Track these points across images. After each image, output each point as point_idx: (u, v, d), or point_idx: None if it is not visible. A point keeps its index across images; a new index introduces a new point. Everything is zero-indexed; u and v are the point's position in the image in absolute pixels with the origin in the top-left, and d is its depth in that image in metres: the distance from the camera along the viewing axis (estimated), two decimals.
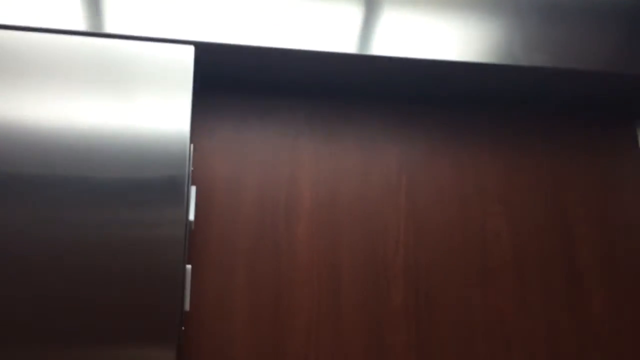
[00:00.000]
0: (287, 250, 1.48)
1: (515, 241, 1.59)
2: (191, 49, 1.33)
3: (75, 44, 1.27)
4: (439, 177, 1.61)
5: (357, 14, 1.50)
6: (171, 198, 1.18)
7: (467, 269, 1.55)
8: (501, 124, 1.70)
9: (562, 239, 1.62)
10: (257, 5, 1.46)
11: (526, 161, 1.67)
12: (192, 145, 1.35)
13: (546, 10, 1.58)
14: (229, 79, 1.59)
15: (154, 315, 1.11)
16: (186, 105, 1.26)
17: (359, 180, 1.57)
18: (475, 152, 1.65)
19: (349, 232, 1.53)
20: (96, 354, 1.08)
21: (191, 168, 1.31)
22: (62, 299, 1.09)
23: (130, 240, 1.14)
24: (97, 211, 1.15)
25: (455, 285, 1.53)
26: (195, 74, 1.56)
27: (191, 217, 1.24)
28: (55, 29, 1.36)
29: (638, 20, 1.62)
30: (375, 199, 1.57)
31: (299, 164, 1.56)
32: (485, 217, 1.60)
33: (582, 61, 1.55)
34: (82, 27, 1.37)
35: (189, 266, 1.20)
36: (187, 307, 1.17)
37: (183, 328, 1.20)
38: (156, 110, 1.24)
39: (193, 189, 1.30)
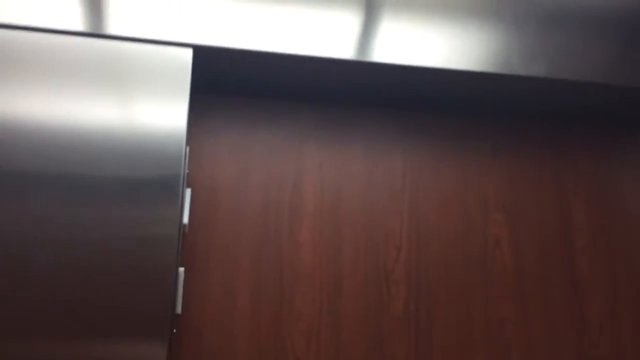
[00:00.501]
0: (290, 255, 1.49)
1: (516, 249, 1.60)
2: (189, 52, 1.33)
3: (75, 44, 1.27)
4: (441, 184, 1.62)
5: (357, 21, 1.51)
6: (165, 200, 1.17)
7: (468, 277, 1.55)
8: (504, 133, 1.71)
9: (563, 247, 1.62)
10: (258, 10, 1.47)
11: (528, 170, 1.68)
12: (188, 148, 1.35)
13: (544, 20, 1.59)
14: (234, 83, 1.59)
15: (145, 317, 1.10)
16: (183, 107, 1.25)
17: (363, 186, 1.58)
18: (478, 160, 1.66)
19: (352, 238, 1.53)
20: (87, 352, 1.07)
21: (187, 170, 1.31)
22: (54, 295, 1.09)
23: (124, 240, 1.14)
24: (92, 210, 1.14)
25: (456, 293, 1.54)
26: (199, 77, 1.56)
27: (185, 219, 1.24)
28: (55, 30, 1.35)
29: (636, 32, 1.63)
30: (378, 205, 1.57)
31: (303, 169, 1.57)
32: (487, 224, 1.61)
33: (580, 72, 1.55)
34: (82, 28, 1.36)
35: (181, 269, 1.19)
36: (178, 310, 1.16)
37: (175, 331, 1.20)
38: (153, 112, 1.24)
39: (188, 192, 1.30)
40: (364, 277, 1.51)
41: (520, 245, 1.61)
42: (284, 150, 1.58)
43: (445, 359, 1.49)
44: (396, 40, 1.51)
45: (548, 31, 1.58)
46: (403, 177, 1.61)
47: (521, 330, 1.54)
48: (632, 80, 1.57)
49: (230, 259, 1.47)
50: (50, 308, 1.08)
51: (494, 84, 1.58)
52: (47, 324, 1.08)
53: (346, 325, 1.47)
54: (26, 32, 1.26)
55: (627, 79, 1.57)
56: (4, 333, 1.06)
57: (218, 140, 1.56)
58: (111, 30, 1.37)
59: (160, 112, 1.24)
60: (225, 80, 1.59)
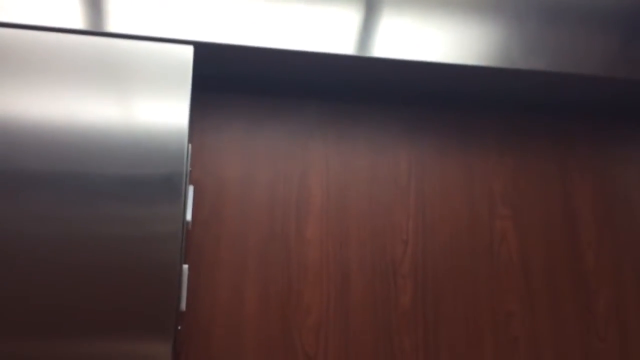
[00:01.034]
0: (297, 250, 1.49)
1: (523, 243, 1.59)
2: (190, 49, 1.33)
3: (76, 42, 1.27)
4: (447, 178, 1.61)
5: (359, 17, 1.51)
6: (168, 197, 1.17)
7: (474, 270, 1.55)
8: (508, 127, 1.70)
9: (569, 241, 1.62)
10: (259, 6, 1.47)
11: (533, 163, 1.67)
12: (190, 145, 1.34)
13: (545, 14, 1.59)
14: (237, 80, 1.60)
15: (149, 314, 1.10)
16: (184, 104, 1.25)
17: (369, 181, 1.58)
18: (483, 154, 1.66)
19: (358, 232, 1.53)
20: (92, 350, 1.07)
21: (189, 168, 1.31)
22: (56, 294, 1.08)
23: (126, 238, 1.14)
24: (94, 208, 1.14)
25: (463, 287, 1.53)
26: (201, 74, 1.56)
27: (188, 217, 1.23)
28: (56, 28, 1.36)
29: (636, 25, 1.62)
30: (384, 199, 1.57)
31: (308, 165, 1.56)
32: (493, 218, 1.60)
33: (582, 65, 1.55)
34: (82, 26, 1.37)
35: (185, 266, 1.19)
36: (183, 307, 1.16)
37: (180, 328, 1.20)
38: (154, 109, 1.24)
39: (191, 189, 1.29)
40: (371, 272, 1.51)
41: (526, 239, 1.60)
42: (289, 146, 1.57)
43: (452, 352, 1.48)
44: (398, 35, 1.51)
45: (549, 25, 1.58)
46: (408, 172, 1.61)
47: (528, 323, 1.53)
48: (635, 73, 1.56)
49: (237, 255, 1.46)
50: (52, 306, 1.08)
51: (495, 78, 1.58)
52: (48, 322, 1.08)
53: (354, 320, 1.47)
54: (27, 31, 1.26)
55: (629, 72, 1.57)
56: (7, 331, 1.06)
57: (222, 137, 1.56)
58: (112, 28, 1.38)
59: (161, 110, 1.24)
60: (227, 77, 1.59)
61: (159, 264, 1.13)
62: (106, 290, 1.10)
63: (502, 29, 1.55)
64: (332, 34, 1.47)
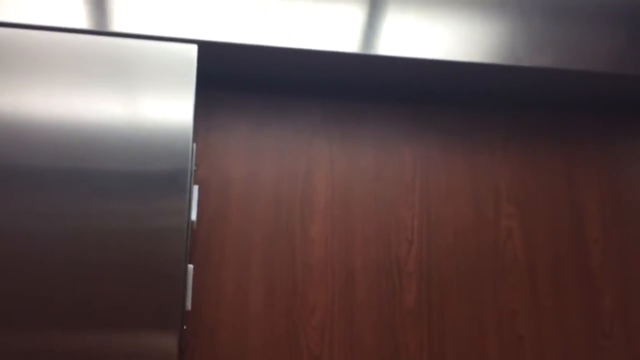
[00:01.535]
0: (302, 249, 1.49)
1: (528, 240, 1.59)
2: (194, 48, 1.33)
3: (81, 42, 1.27)
4: (452, 176, 1.61)
5: (363, 15, 1.50)
6: (172, 196, 1.18)
7: (479, 269, 1.55)
8: (514, 124, 1.69)
9: (575, 238, 1.61)
10: (263, 4, 1.46)
11: (539, 161, 1.67)
12: (195, 144, 1.35)
13: (550, 10, 1.58)
14: (241, 78, 1.60)
15: (155, 314, 1.10)
16: (189, 103, 1.25)
17: (373, 179, 1.58)
18: (489, 152, 1.65)
19: (363, 231, 1.53)
20: (98, 349, 1.08)
21: (194, 167, 1.31)
22: (61, 291, 1.09)
23: (130, 239, 1.14)
24: (99, 208, 1.15)
25: (468, 285, 1.53)
26: (206, 73, 1.56)
27: (193, 216, 1.24)
28: (61, 28, 1.37)
29: None
30: (388, 198, 1.57)
31: (313, 163, 1.57)
32: (499, 217, 1.60)
33: (588, 62, 1.54)
34: (87, 26, 1.37)
35: (190, 265, 1.19)
36: (188, 306, 1.16)
37: (185, 327, 1.20)
38: (158, 109, 1.24)
39: (195, 188, 1.30)
40: (376, 271, 1.51)
41: (532, 236, 1.60)
42: (294, 145, 1.57)
43: (457, 351, 1.48)
44: (403, 32, 1.50)
45: (554, 21, 1.57)
46: (413, 170, 1.61)
47: (533, 321, 1.53)
48: (638, 69, 1.56)
49: (242, 254, 1.47)
50: (56, 303, 1.09)
51: (501, 75, 1.57)
52: (52, 318, 1.08)
53: (359, 319, 1.47)
54: (33, 31, 1.26)
55: (636, 68, 1.56)
56: (18, 326, 1.07)
57: (227, 136, 1.56)
58: (116, 27, 1.38)
59: (166, 109, 1.24)
60: (232, 76, 1.59)
61: (164, 264, 1.13)
62: (112, 289, 1.11)
63: (507, 26, 1.55)
64: (337, 32, 1.47)
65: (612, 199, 1.67)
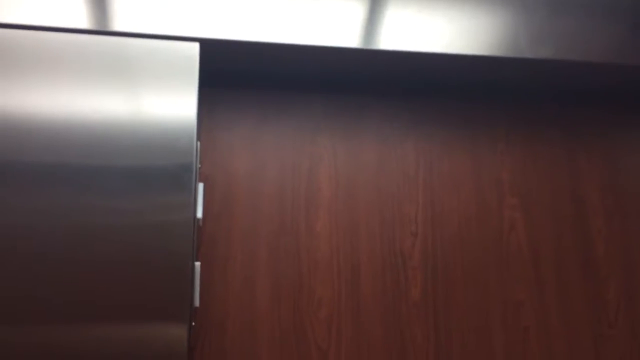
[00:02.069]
0: (307, 244, 1.50)
1: (532, 231, 1.60)
2: (196, 46, 1.33)
3: (84, 42, 1.28)
4: (455, 169, 1.62)
5: (364, 9, 1.50)
6: (178, 195, 1.18)
7: (484, 261, 1.56)
8: (516, 116, 1.70)
9: (578, 229, 1.62)
10: (264, 1, 1.47)
11: (542, 152, 1.67)
12: (199, 143, 1.35)
13: (552, 2, 1.58)
14: (244, 75, 1.60)
15: (163, 312, 1.11)
16: (192, 101, 1.26)
17: (377, 173, 1.58)
18: (492, 144, 1.66)
19: (367, 225, 1.54)
20: (106, 342, 1.09)
21: (199, 165, 1.32)
22: (67, 286, 1.10)
23: (137, 239, 1.15)
24: (104, 208, 1.16)
25: (473, 277, 1.54)
26: (208, 71, 1.57)
27: (199, 214, 1.24)
28: (64, 28, 1.37)
29: None
30: (392, 192, 1.57)
31: (317, 158, 1.57)
32: (502, 208, 1.60)
33: (589, 53, 1.54)
34: (89, 26, 1.38)
35: (197, 263, 1.20)
36: (196, 303, 1.18)
37: (194, 324, 1.21)
38: (161, 107, 1.25)
39: (201, 186, 1.31)
40: (381, 264, 1.52)
41: (535, 227, 1.60)
42: (297, 140, 1.58)
43: (463, 342, 1.49)
44: (403, 26, 1.50)
45: (556, 13, 1.57)
46: (416, 163, 1.61)
47: (538, 312, 1.54)
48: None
49: (248, 250, 1.48)
50: (63, 300, 1.10)
51: (503, 67, 1.57)
52: (59, 314, 1.09)
53: (365, 312, 1.48)
54: (36, 32, 1.27)
55: (637, 58, 1.56)
56: (31, 320, 1.08)
57: (231, 133, 1.56)
58: (118, 26, 1.38)
59: (169, 107, 1.25)
60: (234, 73, 1.60)
61: (171, 261, 1.14)
62: (120, 287, 1.12)
63: (509, 18, 1.55)
64: (337, 27, 1.47)
65: (615, 188, 1.67)
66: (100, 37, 1.28)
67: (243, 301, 1.45)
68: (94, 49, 1.27)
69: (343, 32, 1.47)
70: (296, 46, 1.46)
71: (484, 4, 1.55)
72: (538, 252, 1.59)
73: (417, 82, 1.66)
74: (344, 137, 1.60)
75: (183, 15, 1.42)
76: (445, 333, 1.50)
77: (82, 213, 1.15)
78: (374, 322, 1.48)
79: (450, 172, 1.62)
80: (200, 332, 1.42)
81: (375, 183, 1.58)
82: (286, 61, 1.54)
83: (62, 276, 1.11)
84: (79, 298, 1.11)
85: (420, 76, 1.63)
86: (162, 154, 1.21)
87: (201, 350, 1.41)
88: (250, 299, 1.45)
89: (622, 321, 1.57)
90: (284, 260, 1.49)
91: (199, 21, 1.42)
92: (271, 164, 1.55)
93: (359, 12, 1.50)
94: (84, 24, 1.37)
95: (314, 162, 1.57)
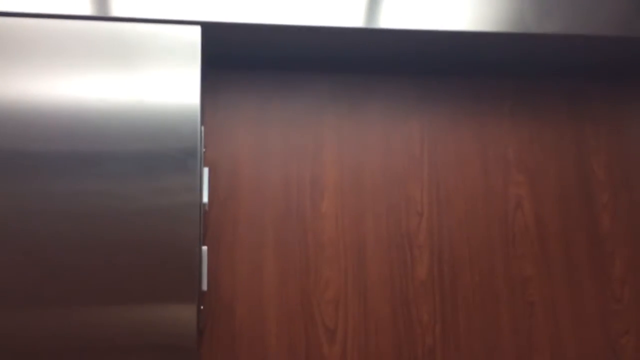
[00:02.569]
0: (313, 225, 1.51)
1: (538, 209, 1.60)
2: (198, 29, 1.33)
3: (86, 28, 1.28)
4: (461, 147, 1.61)
5: None
6: (183, 180, 1.19)
7: (490, 238, 1.56)
8: (522, 92, 1.68)
9: (584, 205, 1.62)
10: None
11: (548, 128, 1.66)
12: (202, 127, 1.36)
13: None
14: (247, 58, 1.59)
15: (172, 296, 1.13)
16: (195, 85, 1.26)
17: (382, 153, 1.58)
18: (497, 121, 1.65)
19: (374, 205, 1.54)
20: (118, 325, 1.11)
21: (203, 149, 1.32)
22: (80, 268, 1.12)
23: (144, 224, 1.16)
24: (112, 194, 1.17)
25: (479, 254, 1.55)
26: (211, 54, 1.56)
27: (205, 198, 1.25)
28: (65, 15, 1.37)
29: None
30: (398, 171, 1.58)
31: (322, 140, 1.57)
32: (508, 185, 1.60)
33: (596, 26, 1.52)
34: (91, 12, 1.37)
35: (204, 247, 1.22)
36: (204, 287, 1.19)
37: (202, 307, 1.23)
38: (165, 92, 1.25)
39: (206, 170, 1.31)
40: (387, 244, 1.52)
41: (541, 204, 1.60)
42: (302, 122, 1.58)
43: (470, 321, 1.51)
44: (407, 5, 1.48)
45: None
46: (422, 143, 1.61)
47: (545, 288, 1.55)
48: None
49: (255, 233, 1.49)
50: (72, 283, 1.12)
51: (508, 43, 1.55)
52: (65, 295, 1.11)
53: (372, 292, 1.49)
54: (37, 19, 1.27)
55: None
56: (44, 301, 1.10)
57: (235, 117, 1.56)
58: (119, 12, 1.37)
59: (172, 91, 1.25)
60: (237, 56, 1.59)
61: (179, 247, 1.16)
62: (129, 272, 1.14)
63: None
64: (340, 6, 1.46)
65: (621, 164, 1.66)
66: (102, 23, 1.28)
67: (250, 284, 1.46)
68: (96, 35, 1.27)
69: (346, 12, 1.45)
70: (299, 27, 1.45)
71: None
72: (544, 229, 1.59)
73: (422, 60, 1.65)
74: (348, 118, 1.60)
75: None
76: (452, 311, 1.51)
77: (89, 199, 1.16)
78: (381, 302, 1.49)
79: (455, 150, 1.61)
80: (208, 315, 1.44)
81: (381, 163, 1.58)
82: (290, 43, 1.53)
83: (71, 261, 1.13)
84: (88, 282, 1.12)
85: (425, 54, 1.62)
86: (167, 139, 1.21)
87: (210, 332, 1.43)
88: (258, 282, 1.47)
89: (629, 296, 1.57)
90: (291, 242, 1.50)
91: (200, 4, 1.41)
92: (276, 146, 1.56)
93: None
94: (85, 11, 1.36)
95: (319, 143, 1.57)
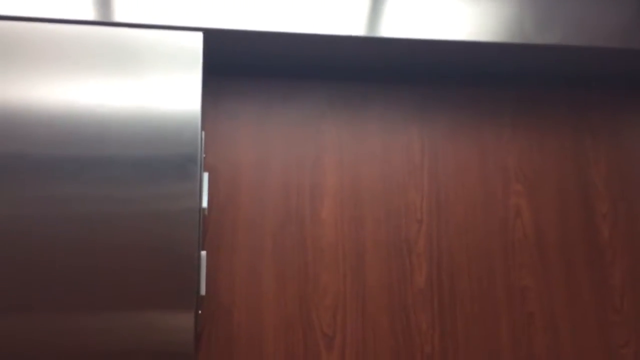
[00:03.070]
0: (313, 232, 1.51)
1: (537, 218, 1.59)
2: (200, 35, 1.34)
3: (87, 33, 1.28)
4: (460, 156, 1.62)
5: None
6: (184, 186, 1.19)
7: (488, 247, 1.56)
8: (521, 102, 1.69)
9: (584, 214, 1.61)
10: None
11: (548, 138, 1.66)
12: (203, 133, 1.36)
13: None
14: (248, 65, 1.60)
15: (170, 300, 1.13)
16: (196, 91, 1.27)
17: (382, 161, 1.59)
18: (496, 130, 1.65)
19: (373, 213, 1.54)
20: (116, 327, 1.11)
21: (203, 155, 1.32)
22: (79, 273, 1.12)
23: (144, 229, 1.16)
24: (111, 199, 1.17)
25: (478, 263, 1.54)
26: (212, 61, 1.57)
27: (204, 204, 1.25)
28: (67, 20, 1.38)
29: None
30: (397, 179, 1.58)
31: (322, 147, 1.58)
32: (507, 194, 1.60)
33: (595, 38, 1.53)
34: (93, 17, 1.38)
35: (203, 252, 1.22)
36: (202, 292, 1.19)
37: (200, 312, 1.23)
38: (166, 98, 1.25)
39: (206, 176, 1.31)
40: (386, 252, 1.52)
41: (541, 213, 1.60)
42: (302, 129, 1.58)
43: (468, 329, 1.50)
44: (406, 14, 1.49)
45: None
46: (421, 151, 1.61)
47: (544, 298, 1.54)
48: None
49: (254, 239, 1.49)
50: (71, 287, 1.12)
51: (508, 54, 1.56)
52: (65, 300, 1.11)
53: (370, 299, 1.49)
54: (39, 24, 1.28)
55: None
56: (40, 307, 1.10)
57: (235, 123, 1.57)
58: (121, 18, 1.39)
59: (173, 97, 1.26)
60: (238, 63, 1.60)
61: (178, 251, 1.16)
62: (127, 276, 1.14)
63: (514, 4, 1.53)
64: (341, 15, 1.47)
65: (621, 174, 1.66)
66: (103, 29, 1.29)
67: (249, 290, 1.46)
68: (97, 40, 1.27)
69: (346, 20, 1.46)
70: (300, 35, 1.46)
71: None
72: (543, 239, 1.59)
73: (422, 69, 1.66)
74: (349, 126, 1.61)
75: (186, 6, 1.42)
76: (451, 319, 1.50)
77: (89, 203, 1.16)
78: (379, 309, 1.49)
79: (455, 159, 1.61)
80: (206, 320, 1.43)
81: (381, 171, 1.58)
82: (291, 50, 1.54)
83: (70, 265, 1.13)
84: (87, 287, 1.12)
85: (425, 64, 1.62)
86: (168, 145, 1.21)
87: (208, 337, 1.42)
88: (256, 288, 1.46)
89: (628, 306, 1.57)
90: (289, 249, 1.50)
91: (202, 11, 1.42)
92: (276, 153, 1.56)
93: (362, 0, 1.49)
94: (87, 16, 1.38)
95: (319, 150, 1.58)
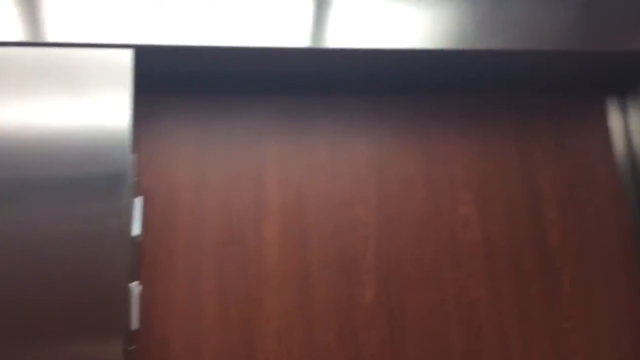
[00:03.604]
0: (256, 253, 1.46)
1: (486, 227, 1.58)
2: (129, 53, 1.31)
3: (16, 54, 1.25)
4: (408, 168, 1.59)
5: (309, 7, 1.46)
6: (112, 212, 1.14)
7: (438, 259, 1.53)
8: (468, 109, 1.67)
9: (532, 222, 1.60)
10: (200, 4, 1.41)
11: (494, 146, 1.65)
12: (136, 154, 1.31)
13: None
14: (184, 82, 1.55)
15: (99, 335, 1.07)
16: (125, 110, 1.23)
17: (328, 176, 1.54)
18: (443, 139, 1.63)
19: (319, 230, 1.50)
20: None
21: (135, 178, 1.27)
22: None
23: (71, 257, 1.10)
24: (40, 225, 1.11)
25: (427, 276, 1.52)
26: (146, 78, 1.51)
27: (136, 231, 1.20)
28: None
29: None
30: (344, 195, 1.54)
31: (263, 164, 1.53)
32: (455, 204, 1.58)
33: (538, 41, 1.52)
34: (22, 38, 1.32)
35: (134, 283, 1.16)
36: (135, 325, 1.13)
37: (134, 347, 1.17)
38: (95, 116, 1.21)
39: (138, 199, 1.26)
40: (334, 270, 1.48)
41: (490, 223, 1.59)
42: (243, 145, 1.54)
43: (419, 345, 1.47)
44: (346, 24, 1.46)
45: (502, 2, 1.54)
46: (368, 164, 1.58)
47: (493, 309, 1.53)
48: (590, 45, 1.54)
49: (193, 265, 1.43)
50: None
51: (452, 61, 1.55)
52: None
53: (318, 321, 1.45)
54: None
55: (588, 45, 1.54)
56: None
57: (172, 142, 1.51)
58: (51, 37, 1.33)
59: (102, 116, 1.21)
60: (175, 80, 1.55)
61: (106, 283, 1.10)
62: (52, 313, 1.07)
63: (455, 10, 1.52)
64: (280, 26, 1.43)
65: (568, 179, 1.66)
66: (33, 49, 1.26)
67: (188, 319, 1.40)
68: (27, 60, 1.24)
69: (288, 32, 1.43)
70: (238, 48, 1.42)
71: None
72: (493, 247, 1.57)
73: (364, 80, 1.63)
74: (292, 140, 1.56)
75: (117, 23, 1.36)
76: (401, 335, 1.47)
77: (11, 229, 1.10)
78: (327, 330, 1.45)
79: (402, 171, 1.59)
80: (141, 355, 1.36)
81: (326, 187, 1.54)
82: (229, 65, 1.49)
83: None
84: (9, 316, 1.06)
85: (367, 74, 1.60)
86: (96, 164, 1.17)
87: None
88: (196, 317, 1.40)
89: (578, 313, 1.56)
90: (232, 273, 1.44)
91: (133, 28, 1.37)
92: (216, 171, 1.51)
93: (304, 10, 1.45)
94: (16, 36, 1.31)
95: (261, 167, 1.53)
